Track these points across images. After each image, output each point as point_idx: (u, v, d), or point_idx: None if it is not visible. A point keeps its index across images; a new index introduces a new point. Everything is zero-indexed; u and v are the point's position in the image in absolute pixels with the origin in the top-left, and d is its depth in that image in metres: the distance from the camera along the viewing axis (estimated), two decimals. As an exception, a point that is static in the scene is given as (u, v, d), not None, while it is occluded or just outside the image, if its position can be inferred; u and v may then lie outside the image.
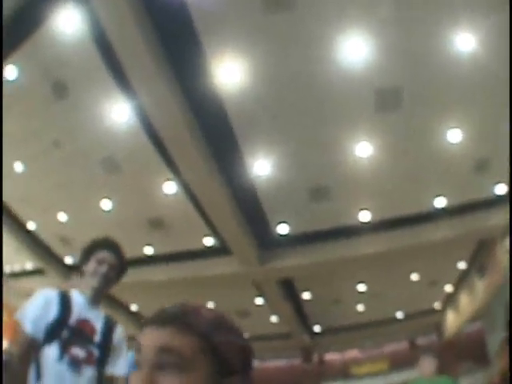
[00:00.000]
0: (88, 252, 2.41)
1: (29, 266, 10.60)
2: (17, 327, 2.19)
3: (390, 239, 8.85)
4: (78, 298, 2.31)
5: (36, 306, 2.21)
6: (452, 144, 7.19)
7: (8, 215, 8.99)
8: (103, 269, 2.32)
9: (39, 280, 10.26)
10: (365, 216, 8.39)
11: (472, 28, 5.41)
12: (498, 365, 3.67)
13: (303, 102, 6.20)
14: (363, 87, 6.10)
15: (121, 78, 5.78)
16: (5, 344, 2.61)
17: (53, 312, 2.20)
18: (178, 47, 5.48)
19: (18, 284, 10.27)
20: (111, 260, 2.36)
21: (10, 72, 5.95)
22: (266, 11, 5.12)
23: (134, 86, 5.69)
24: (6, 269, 10.53)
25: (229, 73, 5.75)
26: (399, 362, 15.33)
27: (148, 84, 5.59)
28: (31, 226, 9.44)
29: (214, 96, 6.00)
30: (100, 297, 2.41)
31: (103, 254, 2.37)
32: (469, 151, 7.44)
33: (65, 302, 2.26)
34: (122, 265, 2.44)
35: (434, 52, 5.80)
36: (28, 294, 2.50)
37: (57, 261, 10.46)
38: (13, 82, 6.02)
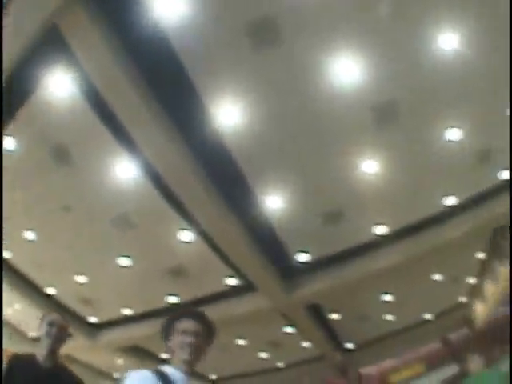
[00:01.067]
0: (168, 327, 2.31)
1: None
2: None
3: (407, 247, 8.91)
4: (175, 374, 2.15)
5: None
6: (452, 142, 7.30)
7: (26, 282, 9.01)
8: (188, 339, 2.19)
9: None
10: (380, 229, 8.46)
11: (454, 26, 5.53)
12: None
13: (303, 131, 6.31)
14: (359, 106, 6.19)
15: (120, 134, 5.87)
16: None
17: None
18: (172, 95, 5.59)
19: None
20: (195, 328, 2.24)
21: (9, 143, 6.02)
22: (255, 49, 5.25)
23: (134, 139, 5.77)
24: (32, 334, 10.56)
25: (226, 114, 5.87)
26: (435, 362, 15.24)
27: (147, 136, 5.69)
28: (51, 290, 9.47)
29: (215, 139, 6.10)
30: (192, 368, 2.23)
31: (185, 325, 2.25)
32: (469, 146, 7.55)
33: (166, 381, 2.10)
34: (208, 329, 2.31)
35: (420, 57, 5.90)
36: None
37: (80, 321, 10.44)
38: (13, 151, 6.11)
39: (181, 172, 6.21)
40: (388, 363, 17.79)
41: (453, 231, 8.99)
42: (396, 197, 7.83)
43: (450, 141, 7.22)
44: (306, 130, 6.31)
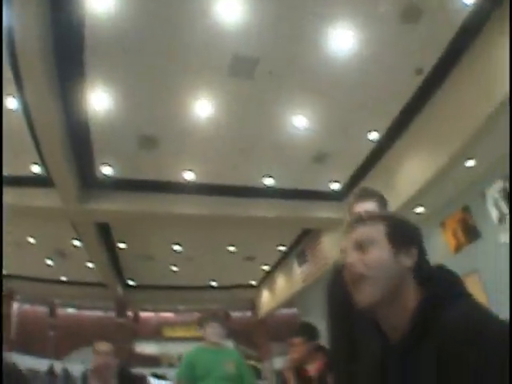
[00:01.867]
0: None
1: None
2: None
3: (213, 204, 8.83)
4: None
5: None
6: (295, 129, 7.37)
7: None
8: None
9: None
10: (190, 175, 8.25)
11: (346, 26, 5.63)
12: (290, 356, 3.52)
13: (161, 47, 5.73)
14: (223, 48, 5.88)
15: None
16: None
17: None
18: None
19: None
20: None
21: None
22: None
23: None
24: None
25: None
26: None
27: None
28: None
29: (76, 16, 5.31)
30: None
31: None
32: (311, 141, 7.70)
33: None
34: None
35: (302, 37, 5.84)
36: None
37: None
38: None
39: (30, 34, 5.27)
40: (166, 315, 18.26)
41: (262, 212, 9.18)
42: (219, 151, 7.67)
43: (293, 126, 7.29)
44: (163, 48, 5.74)
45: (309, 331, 3.49)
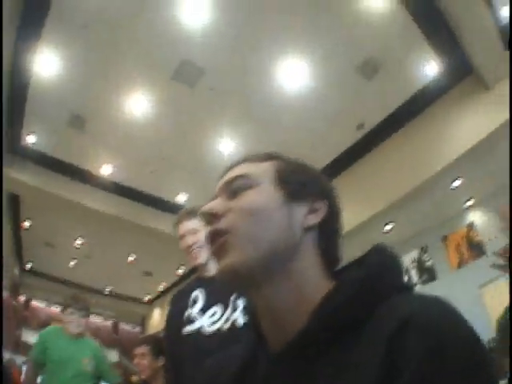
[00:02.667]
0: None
1: None
2: None
3: (123, 206, 9.04)
4: None
5: None
6: (219, 152, 7.67)
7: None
8: None
9: None
10: (107, 169, 8.44)
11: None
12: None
13: (118, 32, 6.00)
14: (175, 51, 6.17)
15: None
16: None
17: None
18: None
19: None
20: None
21: None
22: None
23: None
24: None
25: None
26: (100, 338, 15.59)
27: None
28: None
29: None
30: None
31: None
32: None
33: None
34: None
35: (255, 62, 6.16)
36: None
37: None
38: None
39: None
40: (56, 310, 17.78)
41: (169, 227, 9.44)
42: (141, 152, 8.03)
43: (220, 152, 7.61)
44: (118, 33, 6.01)
45: (156, 343, 3.22)
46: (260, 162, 0.79)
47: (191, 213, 2.20)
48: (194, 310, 2.01)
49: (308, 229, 0.73)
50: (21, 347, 13.82)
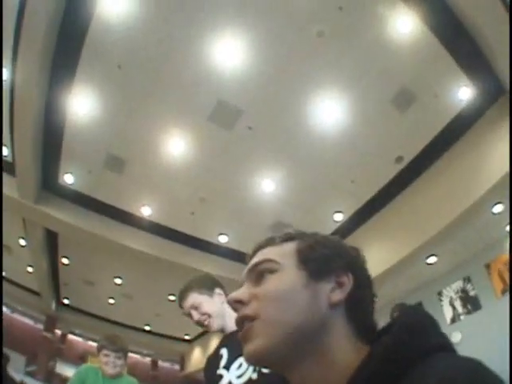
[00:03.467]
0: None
1: None
2: None
3: (163, 247, 8.71)
4: None
5: None
6: (260, 192, 7.44)
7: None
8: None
9: None
10: (147, 211, 8.18)
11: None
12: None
13: (154, 73, 5.90)
14: (211, 92, 6.03)
15: None
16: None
17: None
18: None
19: None
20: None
21: None
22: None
23: None
24: None
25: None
26: (138, 376, 15.25)
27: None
28: None
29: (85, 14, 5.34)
30: None
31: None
32: (273, 208, 7.80)
33: None
34: None
35: (292, 101, 5.96)
36: None
37: None
38: None
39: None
40: (93, 345, 17.52)
41: (212, 269, 8.93)
42: (180, 194, 7.74)
43: (263, 191, 7.39)
44: (158, 74, 5.92)
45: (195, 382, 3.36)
46: (282, 244, 0.80)
47: (187, 289, 2.24)
48: (221, 366, 2.02)
49: (334, 305, 0.72)
50: (55, 378, 13.99)
